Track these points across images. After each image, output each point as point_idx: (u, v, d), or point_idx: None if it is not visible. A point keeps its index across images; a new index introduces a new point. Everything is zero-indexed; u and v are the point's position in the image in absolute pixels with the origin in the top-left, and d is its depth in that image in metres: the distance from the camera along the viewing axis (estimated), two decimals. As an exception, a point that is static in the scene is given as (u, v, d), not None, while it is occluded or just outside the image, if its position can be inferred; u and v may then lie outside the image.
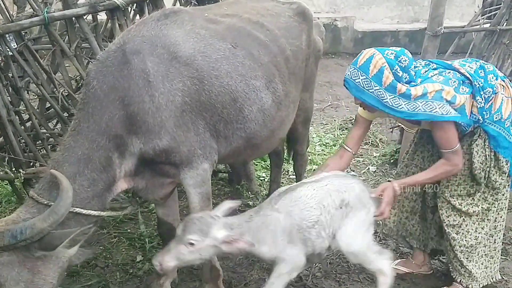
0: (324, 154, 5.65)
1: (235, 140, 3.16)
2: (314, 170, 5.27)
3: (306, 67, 3.77)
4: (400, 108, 2.96)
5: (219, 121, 3.03)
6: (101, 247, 3.83)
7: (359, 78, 3.00)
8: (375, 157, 5.68)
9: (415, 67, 3.16)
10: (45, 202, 2.53)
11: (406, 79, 3.01)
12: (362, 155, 5.73)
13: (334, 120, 6.76)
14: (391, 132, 6.09)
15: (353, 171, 5.33)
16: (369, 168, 5.41)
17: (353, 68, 3.04)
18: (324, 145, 5.94)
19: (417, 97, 2.94)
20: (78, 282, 3.43)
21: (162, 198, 3.24)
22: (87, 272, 3.57)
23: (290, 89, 3.50)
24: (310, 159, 5.31)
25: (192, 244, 2.60)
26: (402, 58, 3.00)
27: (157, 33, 2.91)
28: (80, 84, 4.43)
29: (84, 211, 2.65)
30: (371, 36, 11.64)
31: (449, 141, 3.03)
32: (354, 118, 3.65)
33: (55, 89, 4.03)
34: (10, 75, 3.90)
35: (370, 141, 6.04)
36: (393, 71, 2.95)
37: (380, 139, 6.12)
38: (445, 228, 3.30)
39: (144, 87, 2.75)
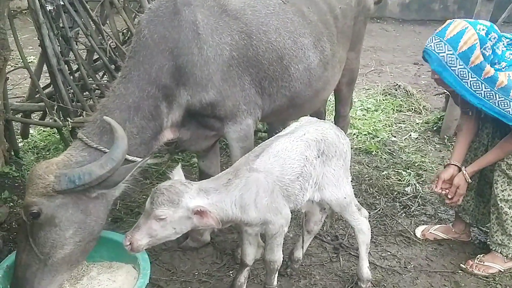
0: (366, 119, 5.61)
1: (279, 98, 3.17)
2: (354, 134, 5.26)
3: (355, 26, 3.71)
4: (478, 94, 2.77)
5: (264, 78, 3.03)
6: (144, 196, 3.95)
7: (444, 52, 2.76)
8: (417, 123, 5.59)
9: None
10: (95, 146, 2.56)
11: (492, 59, 2.78)
12: (404, 121, 5.67)
13: (377, 85, 6.66)
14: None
15: (395, 137, 5.27)
16: (411, 135, 5.34)
17: (438, 40, 2.79)
18: (365, 110, 5.89)
19: (500, 88, 2.74)
20: (122, 227, 3.56)
21: (205, 150, 3.30)
22: (130, 218, 3.71)
23: (337, 49, 3.46)
24: (350, 123, 5.27)
25: (162, 218, 2.33)
26: (492, 35, 2.74)
27: None
28: (127, 37, 4.50)
29: (130, 157, 2.66)
30: (418, 2, 11.28)
31: None
32: None
33: (103, 41, 4.10)
34: (61, 25, 3.99)
35: (413, 107, 5.94)
36: (482, 50, 2.71)
37: (423, 106, 6.02)
38: (498, 202, 3.20)
39: (193, 39, 2.77)
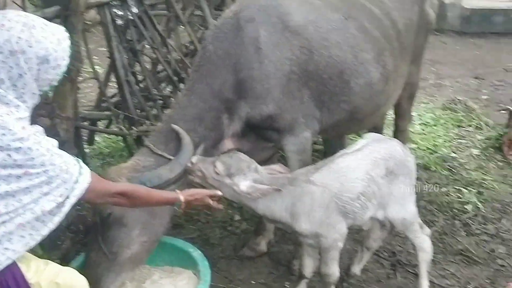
0: (424, 134, 5.50)
1: (338, 113, 3.19)
2: (412, 149, 5.17)
3: (416, 40, 3.70)
4: None
5: (324, 92, 3.07)
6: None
7: None
8: (479, 140, 5.42)
9: None
10: (160, 153, 2.72)
11: None
12: (465, 137, 5.52)
13: (436, 99, 6.53)
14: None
15: (455, 153, 5.15)
16: (471, 151, 5.19)
17: None
18: (424, 124, 5.77)
19: None
20: (182, 234, 3.67)
21: (262, 161, 3.36)
22: (190, 225, 3.83)
23: (399, 64, 3.46)
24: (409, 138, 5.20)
25: (216, 172, 2.56)
26: None
27: (272, 2, 2.99)
28: (190, 50, 4.65)
29: None
30: (480, 14, 10.93)
31: None
32: None
33: (168, 54, 4.27)
34: (129, 38, 4.18)
35: (474, 123, 5.78)
36: None
37: (485, 122, 5.82)
38: None
39: (255, 54, 2.86)
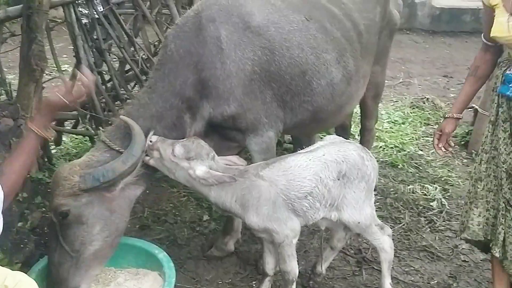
0: (392, 132, 5.59)
1: (301, 113, 3.21)
2: (380, 147, 5.25)
3: (379, 40, 3.73)
4: None
5: (286, 93, 3.09)
6: (171, 205, 4.05)
7: None
8: (445, 137, 5.52)
9: None
10: (117, 148, 2.69)
11: None
12: (432, 135, 5.61)
13: (405, 97, 6.62)
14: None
15: (421, 150, 5.24)
16: (437, 149, 5.28)
17: None
18: (392, 122, 5.86)
19: None
20: (149, 235, 3.66)
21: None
22: (157, 226, 3.81)
23: (361, 64, 3.49)
24: (377, 136, 5.26)
25: (174, 155, 2.60)
26: None
27: (234, 2, 2.99)
28: (158, 49, 4.63)
29: None
30: (449, 13, 11.15)
31: None
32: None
33: (135, 53, 4.24)
34: (95, 37, 4.14)
35: (441, 121, 5.87)
36: None
37: (451, 120, 5.93)
38: None
39: (216, 54, 2.87)
